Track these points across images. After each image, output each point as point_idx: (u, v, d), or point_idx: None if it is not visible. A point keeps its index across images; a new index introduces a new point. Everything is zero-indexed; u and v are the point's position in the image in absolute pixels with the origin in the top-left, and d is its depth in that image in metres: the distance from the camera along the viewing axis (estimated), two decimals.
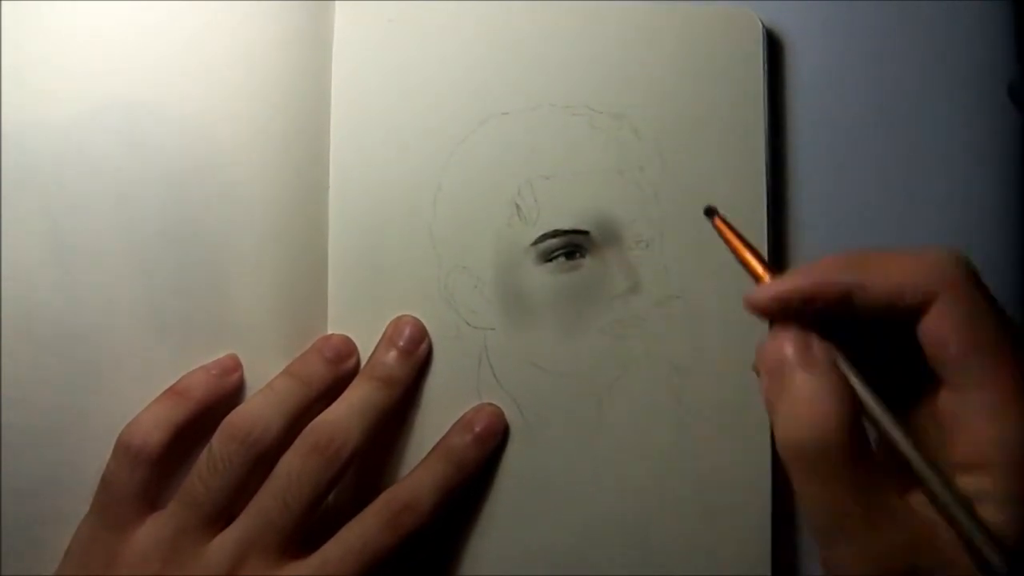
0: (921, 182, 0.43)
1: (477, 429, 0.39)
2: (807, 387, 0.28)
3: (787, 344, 0.29)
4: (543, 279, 0.40)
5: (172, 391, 0.37)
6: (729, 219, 0.32)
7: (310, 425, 0.37)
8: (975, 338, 0.28)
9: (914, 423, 0.29)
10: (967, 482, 0.27)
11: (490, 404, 0.40)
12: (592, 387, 0.40)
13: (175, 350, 0.38)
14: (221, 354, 0.38)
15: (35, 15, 0.38)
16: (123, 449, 0.36)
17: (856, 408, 0.28)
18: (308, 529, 0.36)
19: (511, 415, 0.40)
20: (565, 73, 0.41)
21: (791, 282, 0.29)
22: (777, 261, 0.42)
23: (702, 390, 0.40)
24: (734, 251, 0.32)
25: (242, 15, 0.39)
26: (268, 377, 0.38)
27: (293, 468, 0.36)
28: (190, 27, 0.39)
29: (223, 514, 0.36)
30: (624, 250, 0.40)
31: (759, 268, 0.31)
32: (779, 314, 0.29)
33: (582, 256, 0.40)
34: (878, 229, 0.43)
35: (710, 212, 0.33)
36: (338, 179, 0.39)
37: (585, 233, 0.40)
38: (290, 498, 0.35)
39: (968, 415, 0.28)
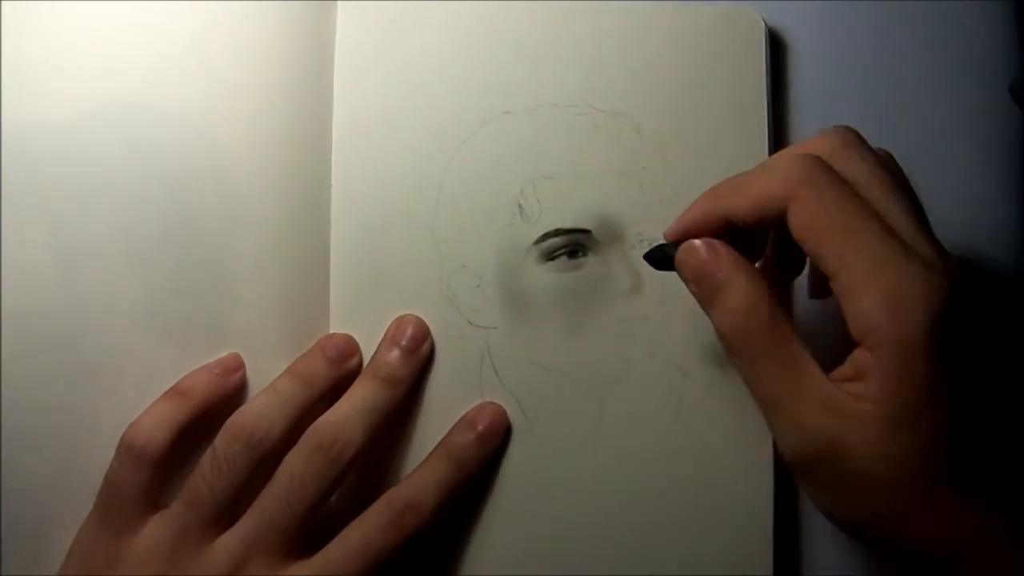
0: (923, 181, 0.43)
1: (479, 428, 0.39)
2: (733, 285, 0.33)
3: (701, 251, 0.34)
4: (545, 278, 0.40)
5: (174, 391, 0.37)
6: None
7: (313, 426, 0.37)
8: (827, 226, 0.31)
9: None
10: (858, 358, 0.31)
11: (492, 403, 0.40)
12: (594, 386, 0.40)
13: (177, 350, 0.38)
14: (223, 354, 0.38)
15: (35, 15, 0.38)
16: (126, 449, 0.36)
17: (773, 297, 0.33)
18: (311, 530, 0.36)
19: (513, 414, 0.40)
20: (567, 72, 0.41)
21: (683, 217, 0.35)
22: None
23: (704, 389, 0.41)
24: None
25: (243, 15, 0.39)
26: (270, 376, 0.38)
27: (296, 469, 0.36)
28: (190, 27, 0.39)
29: (226, 514, 0.36)
30: (626, 249, 0.40)
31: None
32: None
33: (584, 255, 0.40)
34: None
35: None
36: (340, 179, 0.39)
37: (587, 232, 0.40)
38: (293, 499, 0.35)
39: (842, 295, 0.31)
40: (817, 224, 0.32)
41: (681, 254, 0.34)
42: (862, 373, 0.31)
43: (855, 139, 0.34)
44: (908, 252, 0.31)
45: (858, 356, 0.31)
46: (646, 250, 0.36)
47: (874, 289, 0.30)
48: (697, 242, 0.34)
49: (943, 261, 0.32)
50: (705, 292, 0.33)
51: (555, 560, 0.40)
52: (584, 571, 0.40)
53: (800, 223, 0.32)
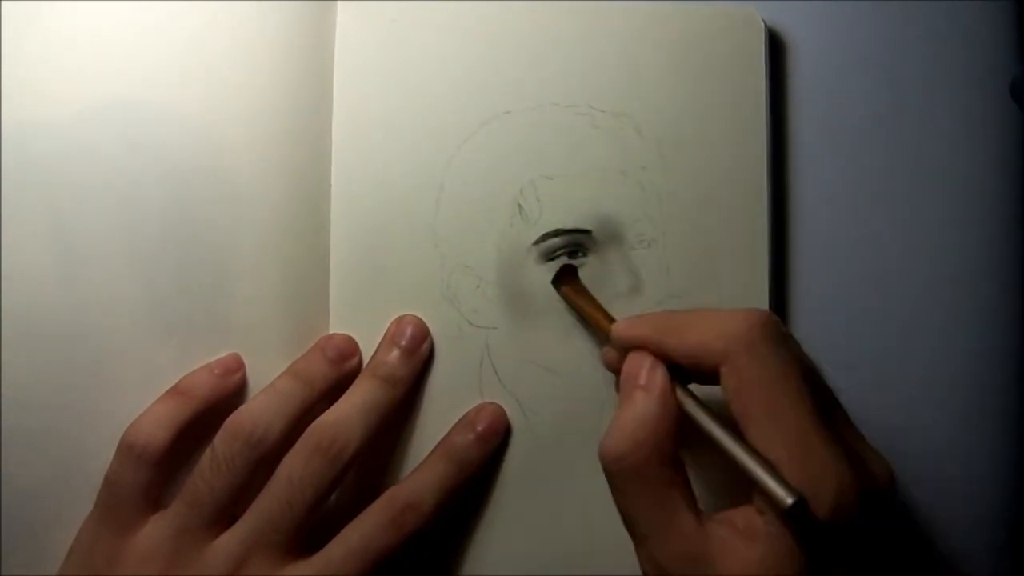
0: (923, 181, 0.43)
1: (479, 428, 0.39)
2: (639, 408, 0.33)
3: (636, 365, 0.34)
4: (545, 279, 0.40)
5: (175, 391, 0.37)
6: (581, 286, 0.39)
7: (312, 425, 0.37)
8: (755, 400, 0.31)
9: None
10: None
11: (492, 403, 0.40)
12: (594, 386, 0.40)
13: (177, 350, 0.38)
14: (223, 354, 0.38)
15: (35, 15, 0.38)
16: (126, 449, 0.36)
17: (670, 437, 0.32)
18: (311, 529, 0.36)
19: (513, 414, 0.40)
20: (567, 72, 0.41)
21: (628, 331, 0.35)
22: (779, 261, 0.42)
23: (703, 390, 0.40)
24: (581, 313, 0.38)
25: (243, 15, 0.39)
26: (270, 376, 0.38)
27: (296, 469, 0.36)
28: (191, 27, 0.39)
29: (225, 514, 0.36)
30: (626, 249, 0.40)
31: (604, 322, 0.37)
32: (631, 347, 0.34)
33: (584, 255, 0.40)
34: (880, 228, 0.43)
35: (557, 281, 0.39)
36: (340, 179, 0.39)
37: (587, 232, 0.40)
38: (293, 499, 0.35)
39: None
40: (746, 394, 0.31)
41: (627, 362, 0.34)
42: (751, 533, 0.31)
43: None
44: (831, 447, 0.31)
45: (752, 514, 0.31)
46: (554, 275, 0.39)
47: (789, 476, 0.30)
48: (639, 354, 0.34)
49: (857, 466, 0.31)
50: (619, 398, 0.34)
51: (554, 560, 0.40)
52: (583, 571, 0.40)
53: (730, 386, 0.32)
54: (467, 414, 0.39)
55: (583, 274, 0.40)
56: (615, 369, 0.35)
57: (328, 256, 0.39)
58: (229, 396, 0.38)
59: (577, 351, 0.40)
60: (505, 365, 0.40)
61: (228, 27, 0.39)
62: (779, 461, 0.30)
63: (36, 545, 0.37)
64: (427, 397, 0.40)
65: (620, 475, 0.32)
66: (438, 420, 0.39)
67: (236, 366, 0.38)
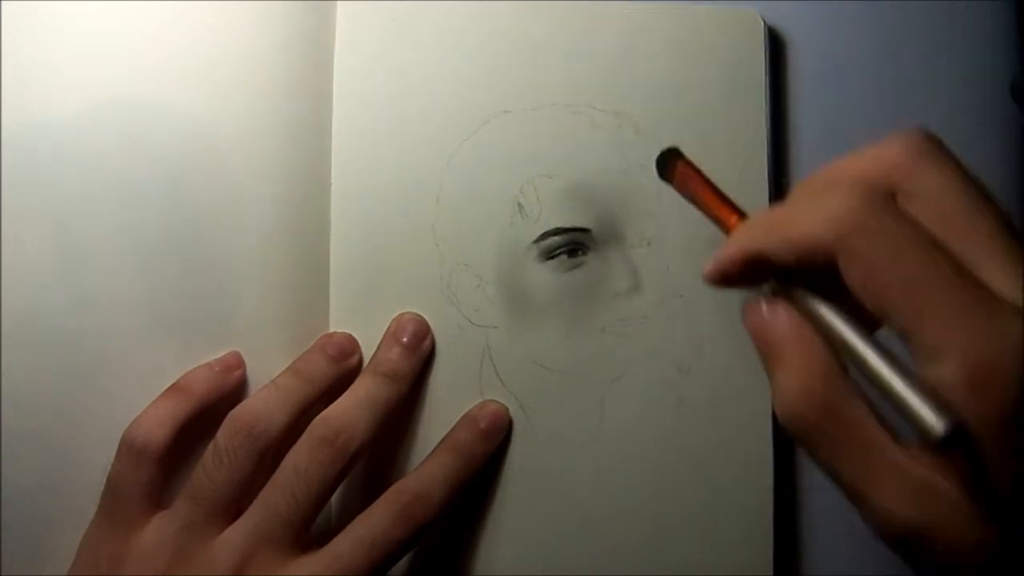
0: None
1: (483, 425, 0.39)
2: (787, 360, 0.27)
3: (760, 311, 0.28)
4: (545, 277, 0.40)
5: (174, 388, 0.37)
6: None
7: (317, 419, 0.36)
8: (888, 282, 0.25)
9: None
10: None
11: (494, 401, 0.40)
12: (594, 385, 0.40)
13: (178, 349, 0.38)
14: (224, 352, 0.38)
15: (35, 15, 0.38)
16: (127, 448, 0.36)
17: (834, 370, 0.27)
18: (315, 525, 0.36)
19: (513, 413, 0.40)
20: (567, 72, 0.41)
21: (721, 257, 0.28)
22: None
23: (704, 388, 0.41)
24: (699, 207, 0.31)
25: (244, 14, 0.39)
26: (271, 375, 0.38)
27: (301, 461, 0.35)
28: (192, 26, 0.39)
29: (230, 508, 0.35)
30: (626, 248, 0.40)
31: (724, 219, 0.30)
32: (737, 280, 0.29)
33: (584, 254, 0.40)
34: None
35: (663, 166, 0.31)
36: (340, 178, 0.39)
37: (587, 231, 0.40)
38: (298, 491, 0.35)
39: (918, 357, 0.25)
40: (876, 280, 0.25)
41: (744, 311, 0.29)
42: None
43: (928, 146, 0.28)
44: (994, 303, 0.25)
45: None
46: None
47: (954, 355, 0.24)
48: (759, 303, 0.28)
49: None
50: (763, 359, 0.28)
51: (554, 559, 0.40)
52: (583, 570, 0.40)
53: (855, 280, 0.26)
54: (470, 411, 0.39)
55: (582, 273, 0.40)
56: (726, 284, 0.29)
57: (328, 255, 0.39)
58: (229, 393, 0.38)
59: (577, 350, 0.40)
60: (506, 364, 0.40)
61: (228, 27, 0.39)
62: (928, 344, 0.25)
63: (36, 545, 0.37)
64: (428, 396, 0.40)
65: (805, 434, 0.27)
66: (439, 419, 0.39)
67: (236, 363, 0.38)
